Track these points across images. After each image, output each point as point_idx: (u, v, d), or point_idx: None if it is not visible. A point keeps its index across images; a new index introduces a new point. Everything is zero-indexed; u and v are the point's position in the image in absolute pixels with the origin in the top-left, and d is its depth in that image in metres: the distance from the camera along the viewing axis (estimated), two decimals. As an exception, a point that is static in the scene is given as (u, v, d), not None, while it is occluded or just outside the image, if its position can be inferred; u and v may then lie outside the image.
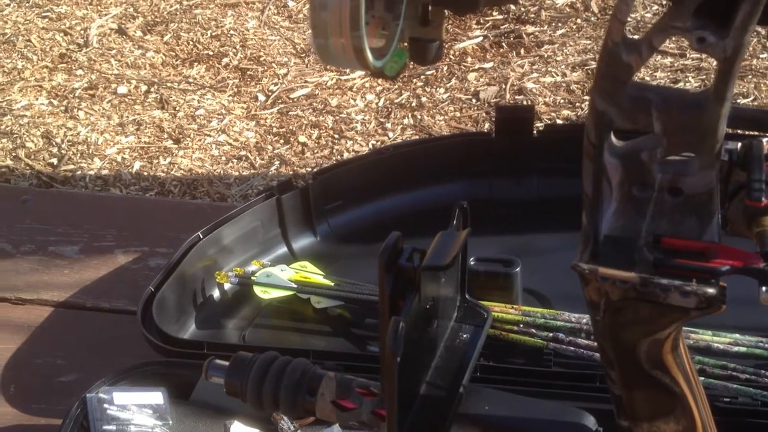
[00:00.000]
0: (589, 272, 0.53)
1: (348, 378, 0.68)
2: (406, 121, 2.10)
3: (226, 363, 0.72)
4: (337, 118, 2.10)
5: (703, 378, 1.01)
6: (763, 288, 0.52)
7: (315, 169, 1.64)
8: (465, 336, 0.69)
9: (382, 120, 2.11)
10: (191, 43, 2.25)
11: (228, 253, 1.16)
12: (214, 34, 2.27)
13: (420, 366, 0.66)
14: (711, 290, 0.51)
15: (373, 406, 0.67)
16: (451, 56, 2.24)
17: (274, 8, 2.36)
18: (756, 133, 0.62)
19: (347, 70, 2.23)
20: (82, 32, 2.28)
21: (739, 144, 0.54)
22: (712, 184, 0.52)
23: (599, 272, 0.52)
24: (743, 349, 1.07)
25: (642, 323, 0.54)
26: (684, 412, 0.59)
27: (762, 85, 2.05)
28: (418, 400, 0.64)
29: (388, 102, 2.14)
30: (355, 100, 2.14)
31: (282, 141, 2.05)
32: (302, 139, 2.06)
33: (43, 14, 2.34)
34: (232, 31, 2.27)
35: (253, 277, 1.13)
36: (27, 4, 2.36)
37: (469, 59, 2.23)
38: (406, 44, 0.62)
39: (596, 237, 0.54)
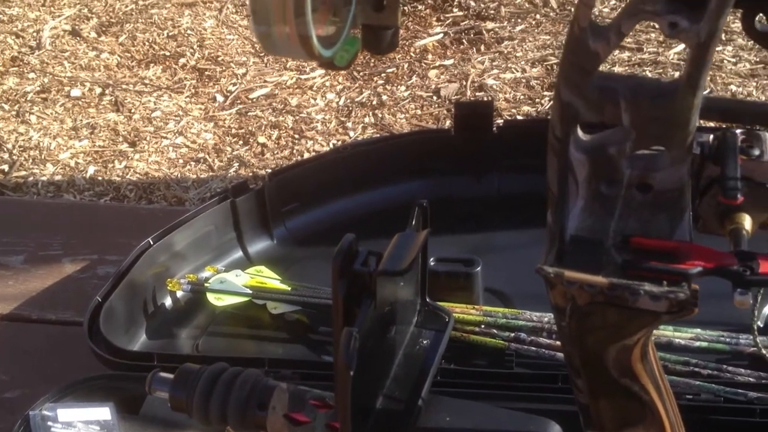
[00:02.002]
0: (554, 276, 0.49)
1: (302, 389, 0.65)
2: (367, 119, 2.07)
3: (171, 376, 0.68)
4: (297, 118, 2.06)
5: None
6: (738, 290, 0.49)
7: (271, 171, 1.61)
8: (425, 342, 0.65)
9: (342, 119, 2.07)
10: (147, 43, 2.20)
11: (180, 260, 1.12)
12: (170, 34, 2.22)
13: (377, 376, 0.63)
14: (682, 294, 0.48)
15: (327, 419, 0.63)
16: (411, 54, 2.21)
17: (233, 7, 2.31)
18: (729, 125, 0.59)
19: (307, 69, 2.19)
20: (35, 34, 2.22)
21: (711, 136, 0.51)
22: (684, 179, 0.49)
23: (565, 276, 0.49)
24: (705, 344, 1.05)
25: (610, 329, 0.51)
26: (654, 421, 0.56)
27: (717, 77, 2.04)
28: (375, 413, 0.61)
29: (348, 101, 2.11)
30: (315, 99, 2.11)
31: (241, 142, 2.01)
32: (262, 139, 2.02)
33: (-7, 16, 2.28)
34: (189, 31, 2.23)
35: (206, 284, 1.09)
36: (-25, 6, 2.30)
37: (430, 56, 2.20)
38: (358, 32, 0.59)
39: (562, 237, 0.51)
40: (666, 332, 1.06)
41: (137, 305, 1.08)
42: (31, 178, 1.92)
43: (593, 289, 0.49)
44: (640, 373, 0.54)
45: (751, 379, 1.00)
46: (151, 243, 1.08)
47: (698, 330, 1.07)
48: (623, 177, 0.49)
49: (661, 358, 1.02)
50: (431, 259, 1.09)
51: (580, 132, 0.49)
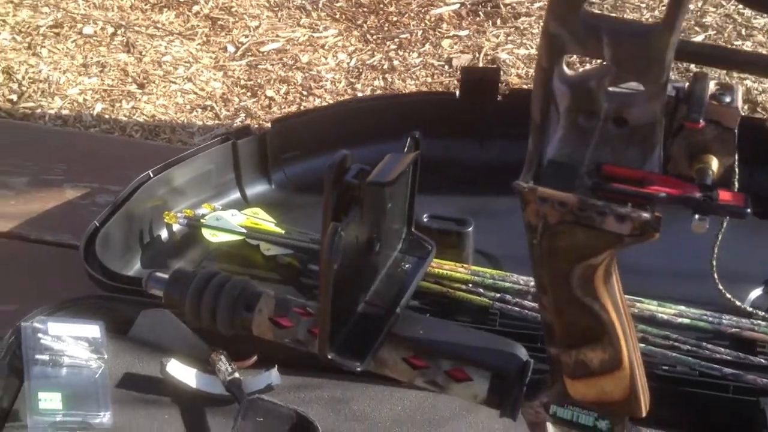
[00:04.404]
0: (528, 191, 0.53)
1: (287, 298, 0.68)
2: (376, 83, 2.09)
3: (167, 276, 0.71)
4: (307, 75, 2.07)
5: (643, 345, 1.01)
6: (696, 216, 0.52)
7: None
8: (407, 266, 0.68)
9: (352, 80, 2.08)
10: (163, -13, 2.21)
11: (179, 195, 1.14)
12: (186, -20, 2.23)
13: (359, 286, 0.65)
14: (645, 214, 0.51)
15: (309, 325, 0.66)
16: (426, 21, 2.22)
17: (250, -41, 2.32)
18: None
19: (320, 27, 2.20)
20: (51, -32, 2.22)
21: (687, 83, 0.54)
22: (657, 116, 0.52)
23: (538, 192, 0.52)
24: (687, 321, 1.07)
25: (577, 248, 0.54)
26: (611, 341, 0.59)
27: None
28: (354, 318, 0.64)
29: (359, 63, 2.12)
30: (326, 58, 2.12)
31: (249, 94, 2.02)
32: (270, 93, 2.04)
33: (11, -53, 2.28)
34: (205, -21, 2.24)
35: (202, 220, 1.11)
36: (-5, -64, 2.30)
37: (445, 26, 2.21)
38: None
39: (540, 162, 0.54)
40: (650, 306, 1.09)
41: (134, 234, 1.10)
42: (39, 110, 1.94)
43: (564, 208, 0.52)
44: (602, 293, 0.57)
45: (728, 358, 1.02)
46: (151, 175, 1.10)
47: (682, 307, 1.09)
48: (601, 110, 0.52)
49: (642, 330, 1.04)
50: (424, 215, 1.11)
51: (565, 67, 0.52)
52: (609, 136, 0.53)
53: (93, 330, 0.96)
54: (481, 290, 1.09)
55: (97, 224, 1.04)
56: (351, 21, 2.21)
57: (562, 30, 0.50)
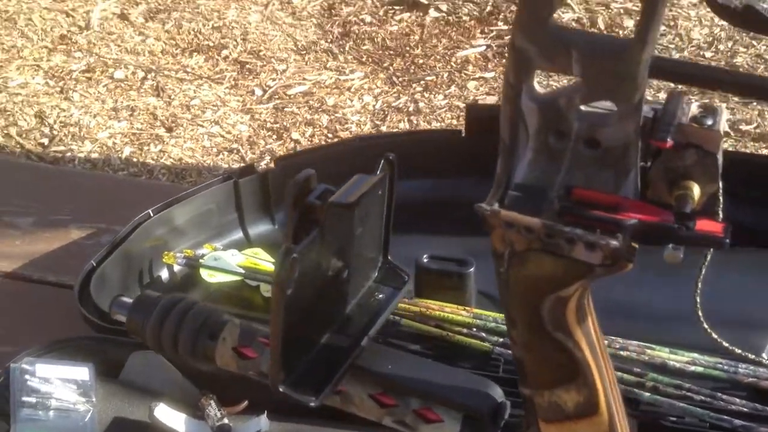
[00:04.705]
0: (491, 214, 0.50)
1: (254, 327, 0.65)
2: (401, 125, 2.08)
3: (131, 300, 0.70)
4: (333, 117, 2.08)
5: (648, 394, 0.97)
6: (670, 246, 0.49)
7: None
8: (380, 296, 0.66)
9: (377, 122, 2.08)
10: (192, 32, 2.24)
11: (180, 235, 1.14)
12: (216, 25, 2.26)
13: (323, 314, 0.62)
14: (615, 242, 0.48)
15: None
16: (452, 63, 2.21)
17: (278, 3, 2.34)
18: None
19: (347, 70, 2.21)
20: (85, 15, 2.28)
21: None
22: (630, 137, 0.48)
23: (501, 215, 0.50)
24: (700, 369, 1.02)
25: (546, 278, 0.51)
26: (585, 382, 0.55)
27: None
28: (317, 348, 0.61)
29: (385, 105, 2.12)
30: (352, 100, 2.12)
31: (275, 136, 2.03)
32: (295, 135, 2.04)
33: (48, -6, 2.35)
34: (234, 24, 2.26)
35: (201, 260, 1.10)
36: (32, -16, 2.37)
37: (471, 68, 2.20)
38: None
39: (508, 184, 0.51)
40: (661, 354, 1.04)
41: (132, 275, 1.09)
42: (68, 154, 1.97)
43: (530, 235, 0.49)
44: (575, 328, 0.54)
45: (744, 409, 0.97)
46: (151, 215, 1.10)
47: (695, 354, 1.04)
48: (572, 130, 0.49)
49: (653, 379, 1.00)
50: (424, 256, 1.08)
51: (535, 83, 0.49)
52: (581, 158, 0.50)
53: (82, 372, 0.95)
54: (484, 334, 1.06)
55: (94, 264, 1.04)
56: (377, 64, 2.22)
57: (529, 44, 0.47)
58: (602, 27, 2.31)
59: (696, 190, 0.50)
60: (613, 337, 1.05)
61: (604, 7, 2.38)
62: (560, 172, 0.51)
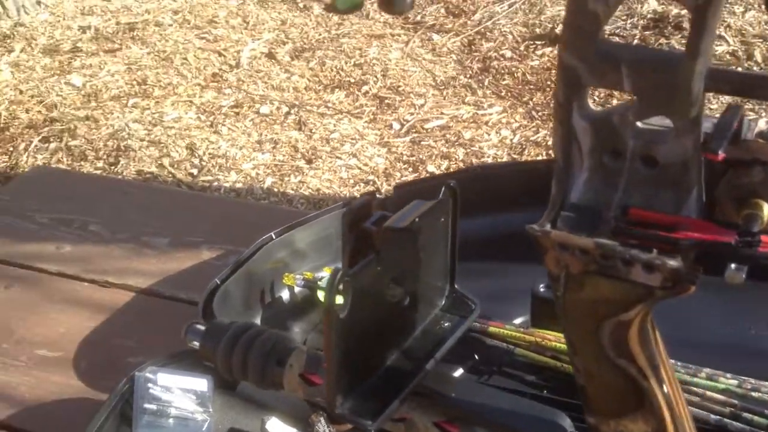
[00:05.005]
0: (542, 235, 0.48)
1: (320, 354, 0.66)
2: (540, 159, 2.05)
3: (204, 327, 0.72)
4: (469, 151, 2.08)
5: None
6: (732, 265, 0.46)
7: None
8: (446, 324, 0.65)
9: (515, 156, 2.06)
10: (335, 70, 2.31)
11: (301, 257, 1.16)
12: (357, 62, 2.32)
13: (385, 340, 0.62)
14: (673, 263, 0.45)
15: None
16: (595, 97, 2.17)
17: (419, 41, 2.38)
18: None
19: (485, 105, 2.21)
20: (235, 54, 2.40)
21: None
22: (689, 153, 0.46)
23: (553, 236, 0.48)
24: None
25: (604, 302, 0.49)
26: (652, 411, 0.52)
27: None
28: (380, 373, 0.61)
29: (523, 139, 2.10)
30: (489, 134, 2.12)
31: (411, 169, 2.05)
32: (431, 168, 2.06)
33: (201, 35, 2.49)
34: (374, 61, 2.32)
35: (319, 283, 1.12)
36: (188, 25, 2.52)
37: (614, 101, 2.15)
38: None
39: (562, 206, 0.50)
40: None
41: (254, 294, 1.13)
42: (215, 183, 2.07)
43: (586, 257, 0.47)
44: (638, 355, 0.51)
45: None
46: (273, 237, 1.13)
47: None
48: (627, 148, 0.47)
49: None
50: (541, 285, 1.06)
51: (587, 101, 0.48)
52: (638, 177, 0.48)
53: (201, 383, 0.99)
54: (602, 367, 1.02)
55: (218, 282, 1.07)
56: (517, 98, 2.21)
57: (578, 61, 0.46)
58: (759, 60, 2.21)
59: (765, 209, 0.47)
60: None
61: (761, 40, 2.28)
62: (617, 192, 0.49)
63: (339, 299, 1.12)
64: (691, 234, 0.46)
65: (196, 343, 0.71)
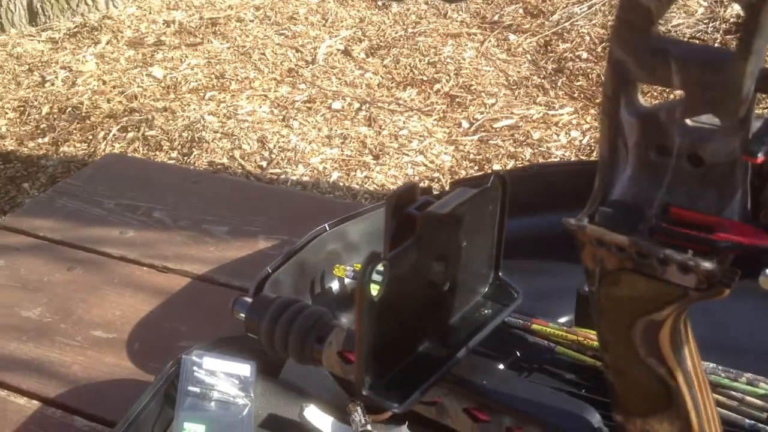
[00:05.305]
0: (577, 228, 0.48)
1: None
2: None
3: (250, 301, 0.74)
4: (536, 151, 2.06)
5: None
6: (766, 270, 0.45)
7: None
8: (487, 312, 0.64)
9: (582, 157, 2.04)
10: (408, 67, 2.32)
11: (353, 249, 1.17)
12: (431, 60, 2.33)
13: (421, 324, 0.62)
14: (708, 265, 0.45)
15: None
16: (648, 96, 2.13)
17: (495, 40, 2.37)
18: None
19: (556, 105, 2.18)
20: (312, 50, 2.43)
21: None
22: (736, 154, 0.45)
23: (588, 231, 0.48)
24: None
25: (638, 300, 0.48)
26: (678, 414, 0.51)
27: None
28: (414, 356, 0.61)
29: (593, 140, 2.07)
30: (558, 135, 2.10)
31: (476, 167, 2.05)
32: (497, 167, 2.05)
33: (281, 32, 2.53)
34: (448, 59, 2.32)
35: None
36: (268, 21, 2.57)
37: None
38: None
39: (603, 201, 0.49)
40: None
41: (304, 283, 1.14)
42: (283, 176, 2.11)
43: (622, 254, 0.47)
44: (668, 355, 0.50)
45: None
46: (327, 228, 1.15)
47: None
48: (674, 145, 0.46)
49: None
50: (586, 285, 1.05)
51: (637, 96, 0.47)
52: (683, 175, 0.47)
53: (244, 369, 1.01)
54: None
55: (269, 270, 1.09)
56: (589, 99, 2.18)
57: (627, 56, 0.46)
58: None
59: None
60: None
61: None
62: (660, 190, 0.48)
63: (376, 280, 1.13)
64: (728, 236, 0.45)
65: (242, 315, 0.73)
